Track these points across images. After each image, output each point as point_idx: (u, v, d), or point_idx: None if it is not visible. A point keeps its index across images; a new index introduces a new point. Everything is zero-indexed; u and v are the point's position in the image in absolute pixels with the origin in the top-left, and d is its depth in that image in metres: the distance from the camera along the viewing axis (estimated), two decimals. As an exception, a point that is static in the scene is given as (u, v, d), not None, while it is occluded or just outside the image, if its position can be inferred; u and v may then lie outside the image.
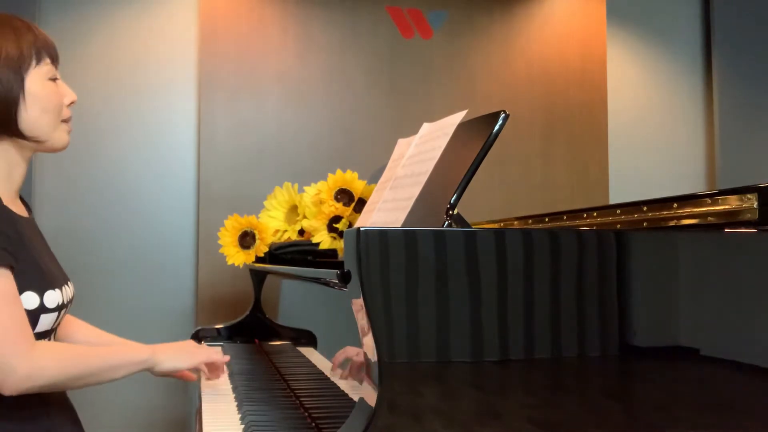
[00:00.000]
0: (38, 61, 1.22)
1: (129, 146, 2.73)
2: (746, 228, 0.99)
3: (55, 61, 1.26)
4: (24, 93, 1.19)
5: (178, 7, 2.81)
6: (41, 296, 1.18)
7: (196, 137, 2.78)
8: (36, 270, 1.19)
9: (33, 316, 1.16)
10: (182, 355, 1.33)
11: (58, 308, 1.22)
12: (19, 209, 1.26)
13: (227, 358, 1.50)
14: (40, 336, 1.20)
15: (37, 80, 1.21)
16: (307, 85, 2.82)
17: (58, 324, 1.27)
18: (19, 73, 1.19)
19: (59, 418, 1.24)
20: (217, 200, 2.69)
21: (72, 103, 1.29)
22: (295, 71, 2.81)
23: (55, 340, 1.29)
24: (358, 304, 0.85)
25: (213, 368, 1.49)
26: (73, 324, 1.47)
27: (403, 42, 2.90)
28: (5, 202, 1.19)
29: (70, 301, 1.30)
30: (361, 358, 0.95)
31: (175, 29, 2.80)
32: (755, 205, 0.99)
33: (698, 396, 0.92)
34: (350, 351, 1.12)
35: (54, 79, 1.25)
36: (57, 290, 1.22)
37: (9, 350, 1.07)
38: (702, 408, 0.91)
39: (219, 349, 1.46)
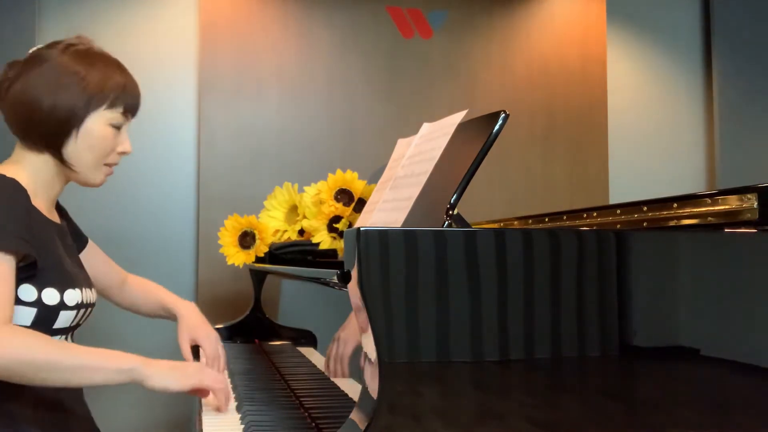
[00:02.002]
0: (111, 106, 1.29)
1: (129, 146, 2.73)
2: (746, 228, 0.99)
3: (129, 112, 1.34)
4: (80, 127, 1.26)
5: (178, 7, 2.81)
6: (62, 293, 1.23)
7: (196, 137, 2.78)
8: (58, 268, 1.24)
9: (53, 311, 1.22)
10: (174, 374, 1.18)
11: (77, 306, 1.27)
12: (55, 217, 1.34)
13: (226, 389, 1.28)
14: (58, 332, 1.25)
15: (99, 121, 1.28)
16: (307, 85, 2.81)
17: (80, 322, 1.32)
18: (87, 107, 1.26)
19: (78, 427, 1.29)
20: (217, 200, 2.69)
21: (124, 153, 1.36)
22: (295, 71, 2.81)
23: (72, 339, 1.33)
24: (357, 304, 0.85)
25: (217, 395, 1.28)
26: (135, 285, 1.65)
27: (403, 42, 2.90)
28: (41, 209, 1.27)
29: (92, 305, 1.35)
30: (350, 351, 0.95)
31: (175, 29, 2.80)
32: (755, 205, 0.99)
33: (698, 396, 0.92)
34: (343, 345, 1.12)
35: (117, 127, 1.32)
36: (77, 289, 1.27)
37: None
38: (702, 408, 0.91)
39: (225, 380, 1.32)
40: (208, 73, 2.73)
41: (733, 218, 1.01)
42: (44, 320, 1.21)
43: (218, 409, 1.28)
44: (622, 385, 0.91)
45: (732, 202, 1.02)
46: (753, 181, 1.02)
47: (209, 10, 2.74)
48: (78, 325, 1.33)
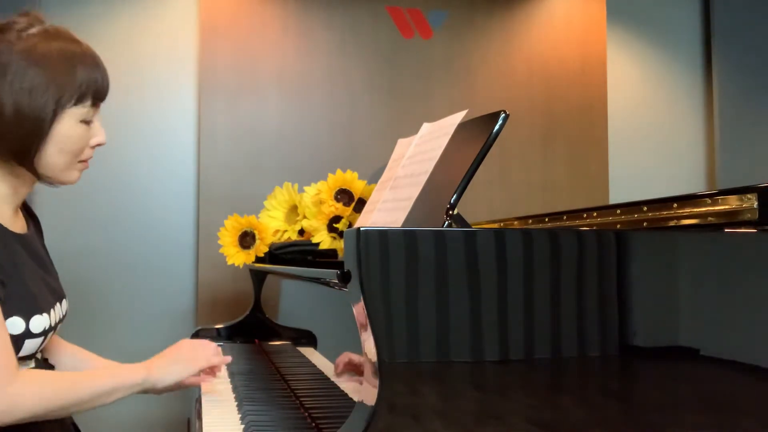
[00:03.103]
0: (77, 102, 1.15)
1: (129, 146, 2.73)
2: (746, 228, 0.99)
3: (98, 100, 1.20)
4: (50, 132, 1.14)
5: (178, 7, 2.81)
6: (27, 321, 1.13)
7: (196, 137, 2.78)
8: (25, 294, 1.14)
9: (18, 341, 1.12)
10: (179, 365, 1.23)
11: (44, 333, 1.17)
12: (18, 225, 1.22)
13: (228, 359, 1.41)
14: (22, 360, 1.15)
15: (67, 121, 1.15)
16: (307, 85, 2.82)
17: (43, 347, 1.22)
18: (54, 112, 1.13)
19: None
20: (217, 200, 2.69)
21: (98, 145, 1.23)
22: (295, 71, 2.81)
23: (39, 360, 1.23)
24: (358, 304, 0.85)
25: (211, 369, 1.40)
26: (59, 346, 1.39)
27: (403, 42, 2.90)
28: (4, 221, 1.16)
29: (60, 321, 1.25)
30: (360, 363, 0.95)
31: (175, 29, 2.80)
32: (755, 205, 0.99)
33: (698, 396, 0.92)
34: (353, 357, 1.12)
35: (87, 122, 1.19)
36: (45, 314, 1.17)
37: None
38: (702, 408, 0.91)
39: (217, 348, 1.39)
40: (208, 73, 2.73)
41: (733, 218, 1.01)
42: None
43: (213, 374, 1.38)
44: (622, 385, 0.91)
45: (732, 202, 1.02)
46: (753, 181, 1.02)
47: (209, 10, 2.74)
48: (43, 347, 1.22)
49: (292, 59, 2.81)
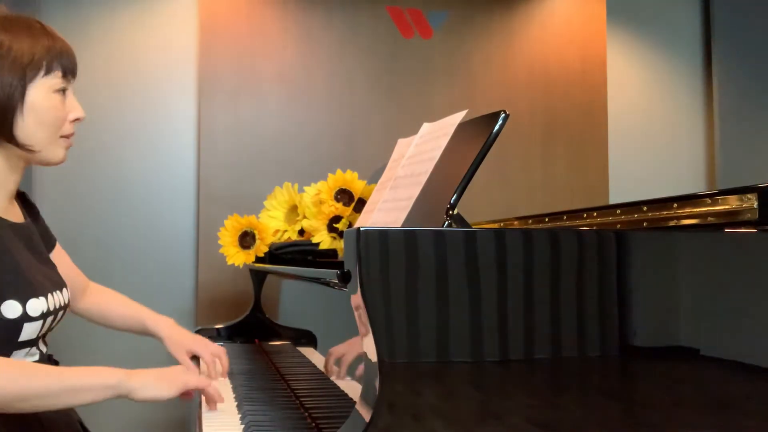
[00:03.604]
0: (48, 72, 1.17)
1: (129, 146, 2.73)
2: (746, 228, 0.99)
3: (68, 73, 1.21)
4: (23, 102, 1.15)
5: (178, 7, 2.81)
6: (24, 305, 1.13)
7: (196, 137, 2.78)
8: (19, 278, 1.14)
9: (15, 324, 1.12)
10: (161, 382, 1.16)
11: (43, 316, 1.17)
12: (13, 215, 1.23)
13: (212, 385, 1.27)
14: (24, 345, 1.16)
15: (41, 91, 1.17)
16: (307, 85, 2.82)
17: (51, 327, 1.23)
18: (23, 80, 1.15)
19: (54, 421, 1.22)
20: (217, 200, 2.69)
21: (77, 119, 1.23)
22: (295, 71, 2.81)
23: (43, 354, 1.24)
24: (358, 304, 0.85)
25: (207, 396, 1.29)
26: (106, 295, 1.53)
27: (403, 42, 2.90)
28: None
29: (63, 308, 1.25)
30: (353, 355, 0.95)
31: (175, 29, 2.80)
32: (755, 205, 0.99)
33: (698, 396, 0.92)
34: (343, 349, 1.12)
35: (62, 91, 1.20)
36: (41, 298, 1.17)
37: None
38: (702, 408, 0.91)
39: (204, 378, 1.31)
40: (208, 73, 2.73)
41: (733, 218, 1.01)
42: (6, 335, 1.12)
43: (214, 405, 1.29)
44: (622, 385, 0.91)
45: (732, 202, 1.02)
46: (753, 181, 1.02)
47: (209, 10, 2.74)
48: (50, 329, 1.24)
49: (292, 59, 2.81)
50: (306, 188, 1.71)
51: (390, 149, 1.53)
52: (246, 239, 1.88)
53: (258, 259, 1.89)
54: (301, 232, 1.79)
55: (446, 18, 2.95)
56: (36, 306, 1.15)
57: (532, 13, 3.04)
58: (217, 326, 2.08)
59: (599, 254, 0.90)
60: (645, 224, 1.19)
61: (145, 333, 1.55)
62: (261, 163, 2.74)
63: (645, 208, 1.20)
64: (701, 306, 0.93)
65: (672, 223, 1.12)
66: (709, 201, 1.07)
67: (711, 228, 1.05)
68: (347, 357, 1.14)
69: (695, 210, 1.09)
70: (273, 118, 2.78)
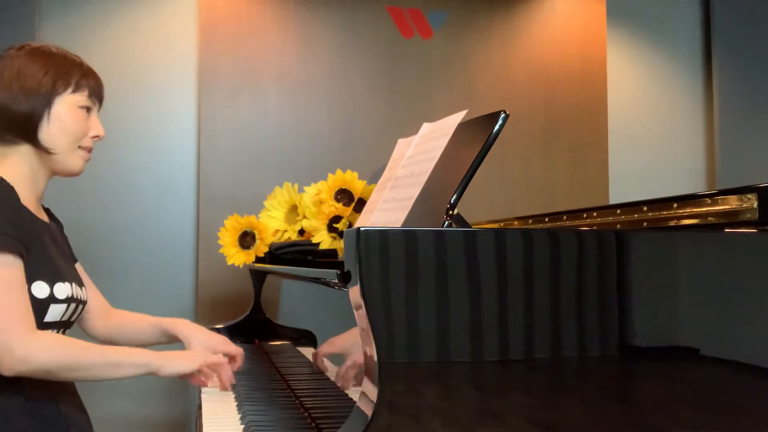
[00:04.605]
0: (75, 90, 1.33)
1: (129, 146, 2.73)
2: (746, 228, 0.99)
3: (94, 95, 1.36)
4: (50, 111, 1.30)
5: (178, 7, 2.81)
6: (51, 286, 1.25)
7: (196, 137, 2.78)
8: (47, 262, 1.27)
9: (43, 304, 1.24)
10: (182, 359, 1.33)
11: (68, 300, 1.28)
12: (41, 215, 1.36)
13: (226, 362, 1.41)
14: (50, 326, 1.27)
15: (67, 104, 1.32)
16: (307, 85, 2.81)
17: (71, 318, 1.33)
18: (52, 91, 1.30)
19: (75, 421, 1.30)
20: (217, 200, 2.69)
21: (97, 137, 1.38)
22: (295, 71, 2.81)
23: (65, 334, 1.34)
24: (358, 304, 0.85)
25: (220, 372, 1.41)
26: (123, 316, 1.63)
27: (403, 42, 2.90)
28: (29, 207, 1.29)
29: (83, 302, 1.36)
30: (342, 350, 0.95)
31: (175, 29, 2.80)
32: (755, 205, 0.99)
33: (698, 396, 0.92)
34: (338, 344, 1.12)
35: (87, 109, 1.35)
36: (67, 283, 1.29)
37: (9, 332, 1.13)
38: (702, 408, 0.91)
39: (222, 355, 1.43)
40: (208, 73, 2.73)
41: (733, 218, 1.02)
42: (35, 314, 1.22)
43: (224, 388, 1.41)
44: (622, 385, 0.91)
45: (732, 202, 1.02)
46: (753, 181, 1.02)
47: (209, 10, 2.74)
48: (70, 322, 1.34)
49: (292, 59, 2.80)
50: (306, 188, 1.71)
51: (390, 149, 1.53)
52: (246, 239, 1.88)
53: (258, 259, 1.89)
54: (301, 232, 1.79)
55: (446, 18, 2.95)
56: (62, 289, 1.27)
57: (532, 13, 3.04)
58: (217, 326, 2.08)
59: (599, 254, 0.90)
60: (645, 224, 1.19)
61: (167, 340, 1.58)
62: (261, 163, 2.74)
63: (645, 208, 1.20)
64: (701, 306, 0.93)
65: (672, 223, 1.12)
66: (709, 201, 1.07)
67: (711, 228, 1.05)
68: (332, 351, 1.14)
69: (695, 210, 1.09)
70: (273, 118, 2.78)
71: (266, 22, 2.79)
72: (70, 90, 1.32)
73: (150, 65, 2.76)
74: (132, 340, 1.60)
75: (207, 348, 1.46)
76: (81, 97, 1.34)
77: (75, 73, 1.33)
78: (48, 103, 1.30)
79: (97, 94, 1.38)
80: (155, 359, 1.28)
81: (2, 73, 1.29)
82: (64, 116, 1.32)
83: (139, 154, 2.74)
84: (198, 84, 2.77)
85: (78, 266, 1.52)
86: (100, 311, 1.58)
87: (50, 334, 1.24)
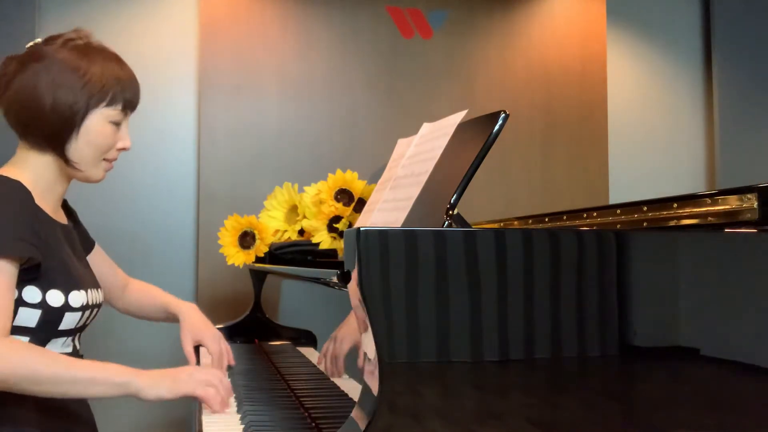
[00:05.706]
0: (110, 104, 1.31)
1: (129, 146, 2.73)
2: (746, 228, 0.99)
3: (128, 107, 1.35)
4: (81, 124, 1.28)
5: (178, 7, 2.81)
6: (66, 295, 1.23)
7: (196, 137, 2.78)
8: (63, 270, 1.25)
9: (58, 313, 1.22)
10: (166, 382, 1.18)
11: (82, 308, 1.27)
12: (60, 218, 1.35)
13: (217, 393, 1.23)
14: (63, 334, 1.25)
15: (98, 119, 1.30)
16: (307, 85, 2.81)
17: (86, 323, 1.33)
18: (87, 105, 1.27)
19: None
20: (217, 200, 2.69)
21: (123, 149, 1.37)
22: (295, 71, 2.81)
23: (76, 350, 1.32)
24: (357, 303, 0.85)
25: (209, 404, 1.24)
26: (142, 290, 1.64)
27: (403, 42, 2.90)
28: (47, 210, 1.28)
29: (98, 306, 1.35)
30: (344, 350, 0.95)
31: (175, 29, 2.80)
32: (755, 205, 0.99)
33: (698, 396, 0.92)
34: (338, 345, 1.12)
35: (117, 124, 1.34)
36: (82, 291, 1.27)
37: None
38: (702, 408, 0.91)
39: (216, 378, 1.26)
40: (208, 73, 2.73)
41: (733, 218, 1.02)
42: (49, 322, 1.22)
43: (215, 409, 1.26)
44: (622, 385, 0.91)
45: (732, 202, 1.02)
46: (753, 181, 1.02)
47: (209, 10, 2.74)
48: (84, 326, 1.33)
49: (292, 59, 2.80)
50: (306, 188, 1.71)
51: (390, 149, 1.53)
52: (246, 239, 1.88)
53: (258, 259, 1.89)
54: (301, 232, 1.80)
55: (446, 18, 2.95)
56: (77, 298, 1.26)
57: (532, 13, 3.04)
58: (217, 326, 2.08)
59: (599, 254, 0.90)
60: (645, 224, 1.19)
61: (170, 318, 1.61)
62: (261, 163, 2.74)
63: (645, 208, 1.20)
64: (701, 306, 0.93)
65: (672, 223, 1.12)
66: (709, 201, 1.07)
67: (711, 228, 1.05)
68: (343, 356, 1.14)
69: (695, 210, 1.09)
70: (273, 117, 2.78)
71: (266, 22, 2.79)
72: (104, 104, 1.30)
73: (150, 65, 2.76)
74: (148, 316, 1.65)
75: (191, 347, 1.48)
76: (114, 112, 1.32)
77: (113, 86, 1.30)
78: (81, 120, 1.28)
79: (131, 105, 1.36)
80: (135, 379, 1.15)
81: (39, 75, 1.25)
82: (93, 131, 1.29)
83: (139, 153, 2.74)
84: (198, 84, 2.77)
85: (96, 248, 1.57)
86: (117, 287, 1.61)
87: (18, 343, 1.13)
